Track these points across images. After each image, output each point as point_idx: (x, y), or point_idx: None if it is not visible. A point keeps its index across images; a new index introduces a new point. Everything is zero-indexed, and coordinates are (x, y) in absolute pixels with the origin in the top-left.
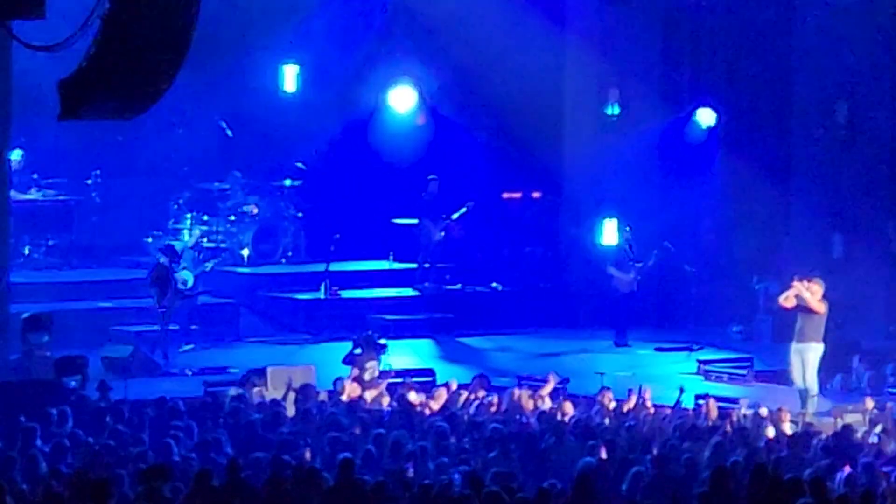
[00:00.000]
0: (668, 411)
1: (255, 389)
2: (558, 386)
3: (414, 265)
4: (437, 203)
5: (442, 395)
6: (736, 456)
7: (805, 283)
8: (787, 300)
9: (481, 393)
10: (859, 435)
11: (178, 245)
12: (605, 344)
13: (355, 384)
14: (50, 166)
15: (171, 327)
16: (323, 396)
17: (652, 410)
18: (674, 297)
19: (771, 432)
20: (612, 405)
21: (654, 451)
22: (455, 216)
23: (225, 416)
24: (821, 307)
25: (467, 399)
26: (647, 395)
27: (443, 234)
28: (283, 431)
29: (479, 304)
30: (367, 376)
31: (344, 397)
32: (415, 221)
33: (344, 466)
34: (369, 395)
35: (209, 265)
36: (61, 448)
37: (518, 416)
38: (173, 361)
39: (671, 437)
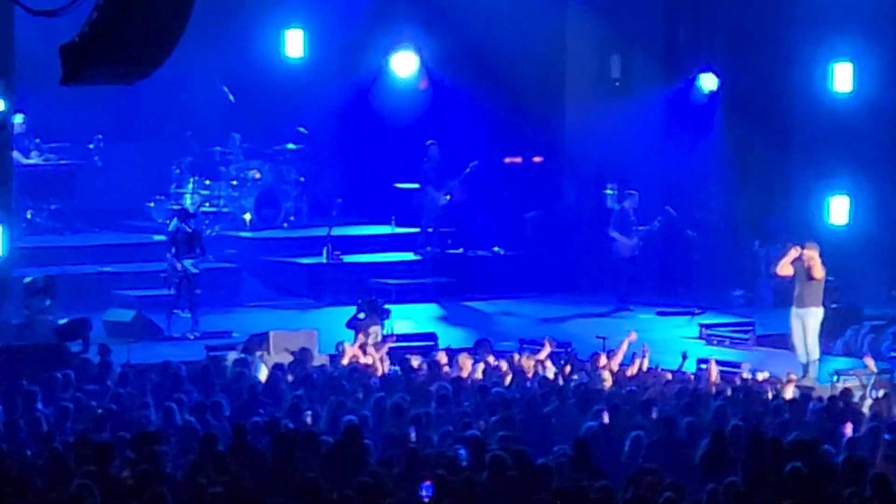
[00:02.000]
0: (670, 375)
1: (258, 354)
2: (560, 350)
3: (416, 230)
4: (438, 167)
5: (467, 366)
6: (736, 420)
7: (798, 248)
8: (783, 269)
9: (490, 359)
10: (858, 399)
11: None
12: (606, 308)
13: (358, 348)
14: (52, 131)
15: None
16: (324, 360)
17: (653, 374)
18: (676, 262)
19: (772, 396)
20: (614, 368)
21: (656, 416)
22: (459, 178)
23: (227, 381)
24: (820, 272)
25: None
26: (646, 355)
27: (448, 196)
28: (285, 395)
29: (481, 269)
30: (370, 341)
31: (345, 361)
32: (417, 186)
33: (349, 431)
34: (372, 359)
35: (215, 230)
36: (64, 412)
37: (521, 381)
38: (172, 326)
39: (673, 401)
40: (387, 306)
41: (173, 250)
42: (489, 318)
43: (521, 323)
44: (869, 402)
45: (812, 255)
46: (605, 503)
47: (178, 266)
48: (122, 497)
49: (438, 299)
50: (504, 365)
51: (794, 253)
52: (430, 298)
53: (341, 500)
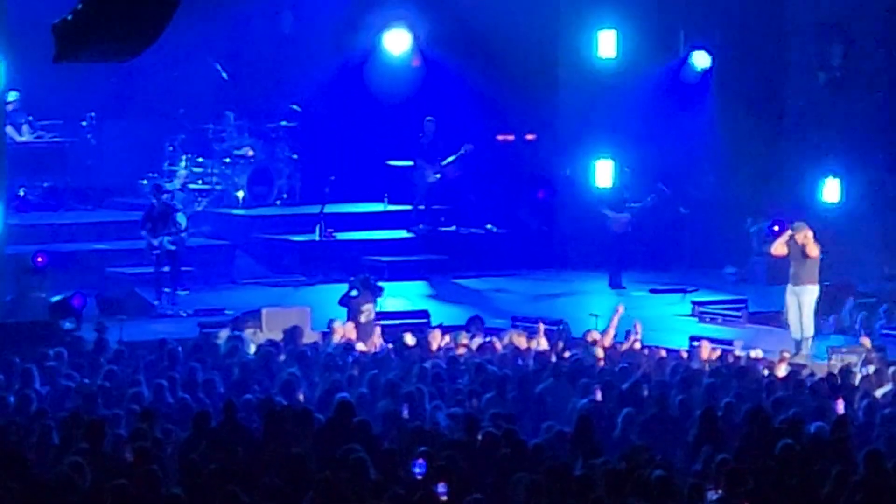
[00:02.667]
0: (664, 353)
1: (250, 331)
2: (552, 327)
3: (409, 207)
4: (433, 145)
5: (461, 343)
6: (729, 398)
7: (794, 230)
8: (777, 249)
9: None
10: (853, 376)
11: (168, 186)
12: (599, 286)
13: (351, 325)
14: (45, 108)
15: (163, 269)
16: (316, 338)
17: (645, 351)
18: (668, 239)
19: (765, 374)
20: (607, 345)
21: (648, 393)
22: (451, 159)
23: (220, 358)
24: (815, 250)
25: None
26: (638, 330)
27: (438, 175)
28: (278, 373)
29: (473, 246)
30: (363, 319)
31: (337, 338)
32: (410, 164)
33: (340, 407)
34: (365, 336)
35: (202, 205)
36: (56, 389)
37: (514, 358)
38: (169, 303)
39: (665, 378)
40: (380, 284)
41: (149, 226)
42: (482, 295)
43: (514, 300)
44: (859, 377)
45: (806, 234)
46: (609, 480)
47: (155, 242)
48: (115, 474)
49: (431, 276)
50: (497, 342)
51: (788, 233)
52: (422, 276)
53: (332, 476)
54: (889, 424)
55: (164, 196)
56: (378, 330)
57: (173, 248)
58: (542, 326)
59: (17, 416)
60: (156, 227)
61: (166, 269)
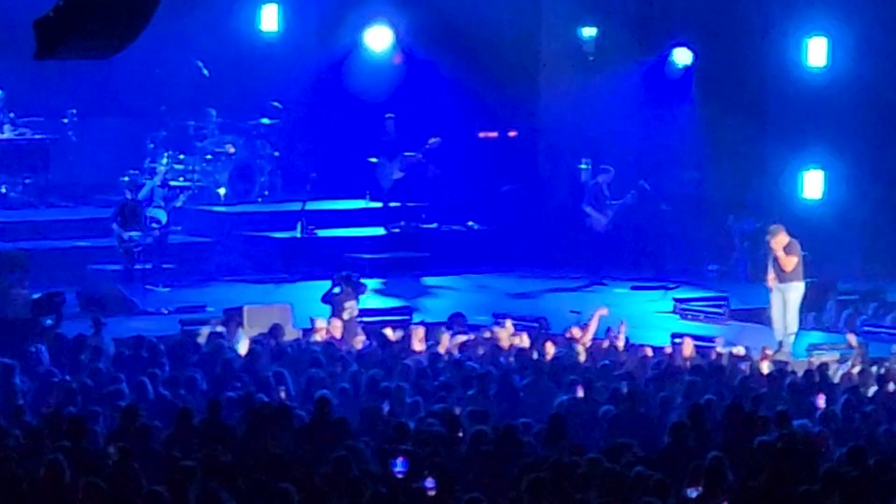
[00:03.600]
0: (647, 350)
1: (233, 328)
2: (533, 324)
3: (379, 204)
4: (396, 142)
5: (444, 340)
6: (711, 395)
7: (769, 237)
8: (772, 281)
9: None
10: (832, 373)
11: (148, 182)
12: (580, 283)
13: (337, 322)
14: (26, 105)
15: (139, 266)
16: (298, 335)
17: (620, 343)
18: (650, 236)
19: (747, 371)
20: (587, 343)
21: (629, 390)
22: (415, 154)
23: (201, 355)
24: (790, 262)
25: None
26: (622, 331)
27: (402, 173)
28: (260, 370)
29: (454, 243)
30: (346, 316)
31: (318, 337)
32: (374, 160)
33: (319, 404)
34: (348, 334)
35: (180, 200)
36: (37, 386)
37: (496, 355)
38: (146, 300)
39: (647, 375)
40: (363, 281)
41: (119, 220)
42: (463, 292)
43: (496, 297)
44: (840, 373)
45: (779, 241)
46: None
47: (125, 237)
48: (95, 471)
49: (412, 273)
50: (478, 339)
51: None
52: (404, 273)
53: (314, 474)
54: (870, 421)
55: (138, 191)
56: (360, 328)
57: (149, 240)
58: (509, 323)
59: None
60: (127, 222)
61: (148, 265)
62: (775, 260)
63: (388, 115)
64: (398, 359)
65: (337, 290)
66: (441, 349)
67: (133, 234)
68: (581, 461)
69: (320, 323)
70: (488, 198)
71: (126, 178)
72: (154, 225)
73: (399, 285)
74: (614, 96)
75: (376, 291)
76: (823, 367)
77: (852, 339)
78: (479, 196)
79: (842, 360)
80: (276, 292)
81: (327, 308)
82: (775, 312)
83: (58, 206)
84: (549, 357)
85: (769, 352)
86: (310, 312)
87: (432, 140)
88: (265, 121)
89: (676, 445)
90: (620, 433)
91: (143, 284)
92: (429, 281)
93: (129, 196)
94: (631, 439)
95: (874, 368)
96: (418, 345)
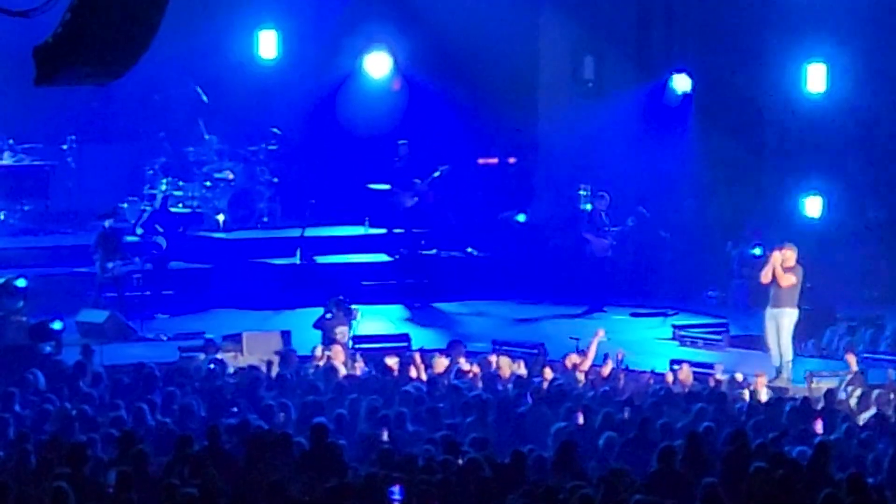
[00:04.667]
0: (647, 377)
1: (230, 354)
2: (532, 351)
3: (384, 231)
4: (408, 168)
5: (442, 366)
6: (710, 421)
7: (779, 251)
8: (766, 276)
9: (461, 360)
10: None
11: (147, 208)
12: (580, 309)
13: (339, 349)
14: (25, 132)
15: (134, 294)
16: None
17: (626, 375)
18: (649, 263)
19: (746, 397)
20: (586, 368)
21: (629, 416)
22: (426, 180)
23: (200, 381)
24: (788, 279)
25: (449, 366)
26: (620, 358)
27: (416, 199)
28: (259, 397)
29: (454, 270)
30: (337, 341)
31: (318, 363)
32: (387, 187)
33: (316, 431)
34: (339, 360)
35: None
36: (36, 413)
37: (494, 382)
38: (145, 327)
39: (646, 402)
40: (353, 307)
41: (100, 252)
42: (462, 318)
43: (495, 324)
44: (843, 400)
45: (790, 256)
46: None
47: (109, 265)
48: (95, 499)
49: (412, 300)
50: (476, 366)
51: (775, 258)
52: (403, 299)
53: (312, 502)
54: (867, 448)
55: (119, 221)
56: (349, 353)
57: (120, 273)
58: (493, 358)
59: None
60: (108, 252)
61: (147, 293)
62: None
63: (401, 142)
64: (397, 385)
65: (329, 315)
66: (437, 372)
67: (115, 263)
68: (584, 487)
69: (319, 351)
70: (487, 224)
71: (126, 206)
72: (137, 260)
73: (398, 312)
74: (613, 122)
75: (375, 318)
76: (829, 393)
77: (852, 359)
78: (479, 222)
79: (842, 386)
80: (274, 319)
81: (320, 333)
82: (770, 339)
83: (57, 233)
84: (547, 383)
85: (764, 379)
86: (308, 339)
87: (441, 168)
88: (264, 147)
89: (666, 470)
90: (620, 460)
91: (138, 311)
92: (428, 307)
93: (106, 225)
94: (630, 466)
95: (875, 393)
96: (417, 371)
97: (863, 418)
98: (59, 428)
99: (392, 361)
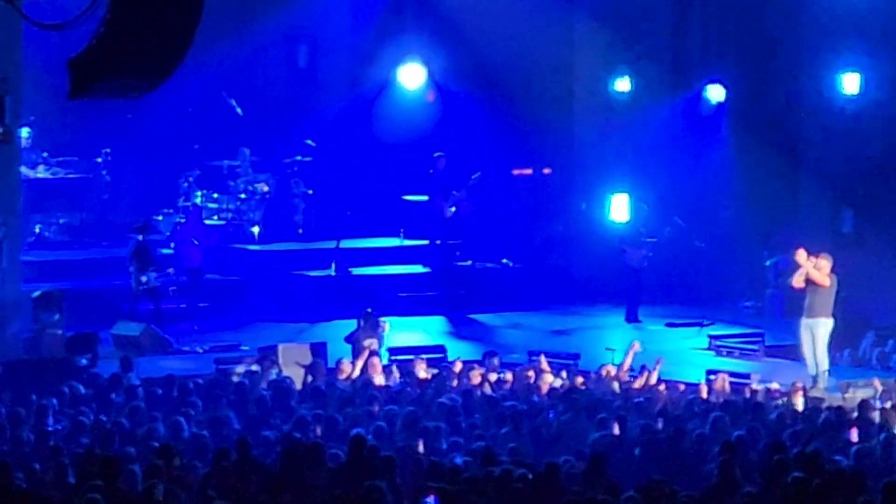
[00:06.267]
0: (682, 387)
1: (266, 366)
2: (568, 362)
3: (425, 242)
4: (445, 179)
5: (476, 377)
6: (746, 431)
7: (813, 259)
8: (797, 281)
9: (493, 374)
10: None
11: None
12: (616, 320)
13: (375, 360)
14: (60, 145)
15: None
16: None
17: (662, 385)
18: (684, 273)
19: (782, 407)
20: (623, 379)
21: (665, 427)
22: (461, 192)
23: (236, 394)
24: (826, 281)
25: (483, 376)
26: (658, 368)
27: (454, 209)
28: (294, 408)
29: (489, 281)
30: (365, 352)
31: (342, 376)
32: (425, 198)
33: (354, 443)
34: (374, 371)
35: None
36: (72, 426)
37: (529, 393)
38: (181, 339)
39: (682, 412)
40: (382, 319)
41: (136, 264)
42: (498, 330)
43: (530, 335)
44: (877, 412)
45: (824, 265)
46: None
47: (143, 279)
48: None
49: (447, 311)
50: (511, 377)
51: (807, 264)
52: (438, 311)
53: None
54: None
55: (151, 234)
56: (380, 364)
57: (155, 284)
58: (543, 360)
59: (33, 453)
60: (142, 265)
61: (183, 305)
62: (814, 283)
63: (437, 154)
64: (434, 397)
65: (359, 327)
66: (473, 383)
67: (149, 276)
68: (616, 501)
69: (346, 364)
70: (522, 235)
71: (161, 218)
72: (171, 271)
73: (433, 323)
74: (648, 133)
75: (410, 329)
76: (863, 403)
77: (877, 384)
78: (514, 233)
79: (877, 395)
80: (310, 331)
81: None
82: (805, 349)
83: (92, 246)
84: (583, 394)
85: (801, 386)
86: (343, 351)
87: (474, 175)
88: (299, 158)
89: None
90: (656, 470)
91: (174, 324)
92: (463, 319)
93: (141, 238)
94: (667, 476)
95: None
96: (452, 382)
97: None
98: (95, 440)
99: (424, 372)
